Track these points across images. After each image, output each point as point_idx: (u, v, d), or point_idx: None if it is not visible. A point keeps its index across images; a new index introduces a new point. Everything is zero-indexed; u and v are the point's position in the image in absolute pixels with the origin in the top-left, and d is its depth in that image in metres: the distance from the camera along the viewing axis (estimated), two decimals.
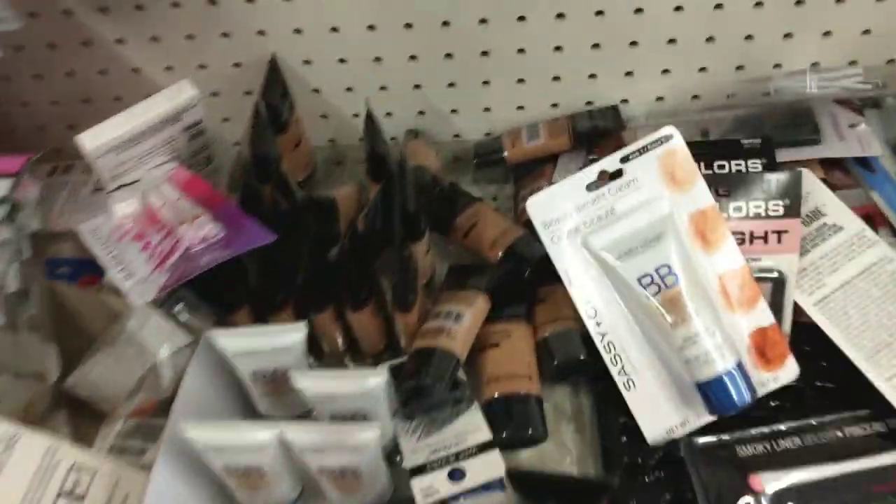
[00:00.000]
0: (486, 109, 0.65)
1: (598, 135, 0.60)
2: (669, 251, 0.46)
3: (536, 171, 0.62)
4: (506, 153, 0.62)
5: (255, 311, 0.51)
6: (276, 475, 0.43)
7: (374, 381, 0.42)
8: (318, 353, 0.53)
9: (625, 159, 0.48)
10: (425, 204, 0.55)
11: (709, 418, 0.47)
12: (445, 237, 0.59)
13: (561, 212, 0.48)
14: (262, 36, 0.61)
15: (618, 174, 0.48)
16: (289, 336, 0.45)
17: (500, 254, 0.55)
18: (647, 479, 0.45)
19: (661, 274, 0.46)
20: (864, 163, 0.57)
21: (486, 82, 0.63)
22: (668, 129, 0.48)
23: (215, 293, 0.52)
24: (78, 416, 0.53)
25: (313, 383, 0.43)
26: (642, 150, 0.48)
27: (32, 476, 0.43)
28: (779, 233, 0.49)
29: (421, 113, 0.66)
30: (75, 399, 0.52)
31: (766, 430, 0.45)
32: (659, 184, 0.48)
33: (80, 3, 0.60)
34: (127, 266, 0.51)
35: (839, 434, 0.45)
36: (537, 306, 0.53)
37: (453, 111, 0.65)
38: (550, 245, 0.48)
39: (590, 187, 0.48)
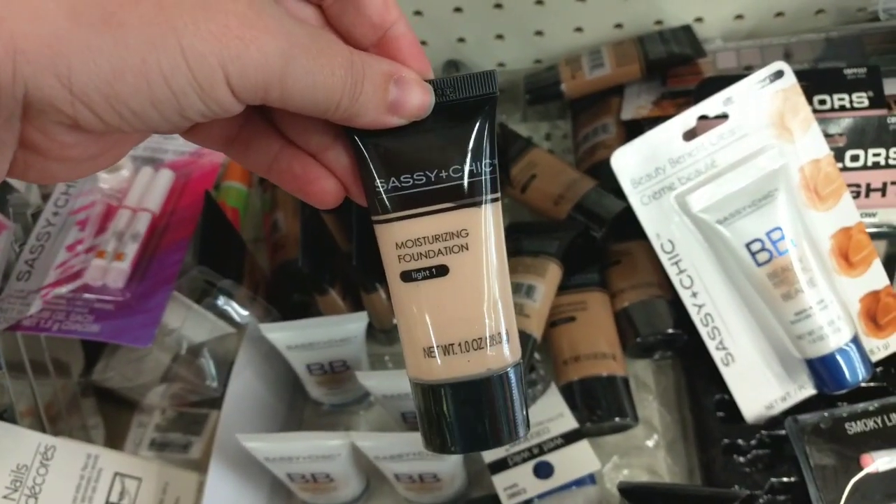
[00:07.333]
0: (538, 33, 0.56)
1: (673, 62, 0.52)
2: (782, 212, 0.40)
3: (599, 105, 0.54)
4: (564, 86, 0.54)
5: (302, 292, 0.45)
6: (345, 478, 0.39)
7: None
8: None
9: (727, 101, 0.41)
10: None
11: (811, 392, 0.43)
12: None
13: (653, 166, 0.41)
14: None
15: (717, 120, 0.41)
16: (348, 327, 0.39)
17: (567, 211, 0.48)
18: (746, 459, 0.42)
19: (772, 239, 0.40)
20: None
21: (538, 1, 0.53)
22: (778, 65, 0.41)
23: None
24: (105, 401, 0.48)
25: (381, 383, 0.38)
26: (748, 90, 0.40)
27: (76, 488, 0.39)
28: None
29: (461, 40, 0.57)
30: (101, 387, 0.47)
31: (876, 404, 0.41)
32: (767, 131, 0.41)
33: None
34: (31, 261, 0.40)
35: None
36: (611, 270, 0.47)
37: (498, 37, 0.56)
38: (640, 207, 0.41)
39: (686, 136, 0.41)
